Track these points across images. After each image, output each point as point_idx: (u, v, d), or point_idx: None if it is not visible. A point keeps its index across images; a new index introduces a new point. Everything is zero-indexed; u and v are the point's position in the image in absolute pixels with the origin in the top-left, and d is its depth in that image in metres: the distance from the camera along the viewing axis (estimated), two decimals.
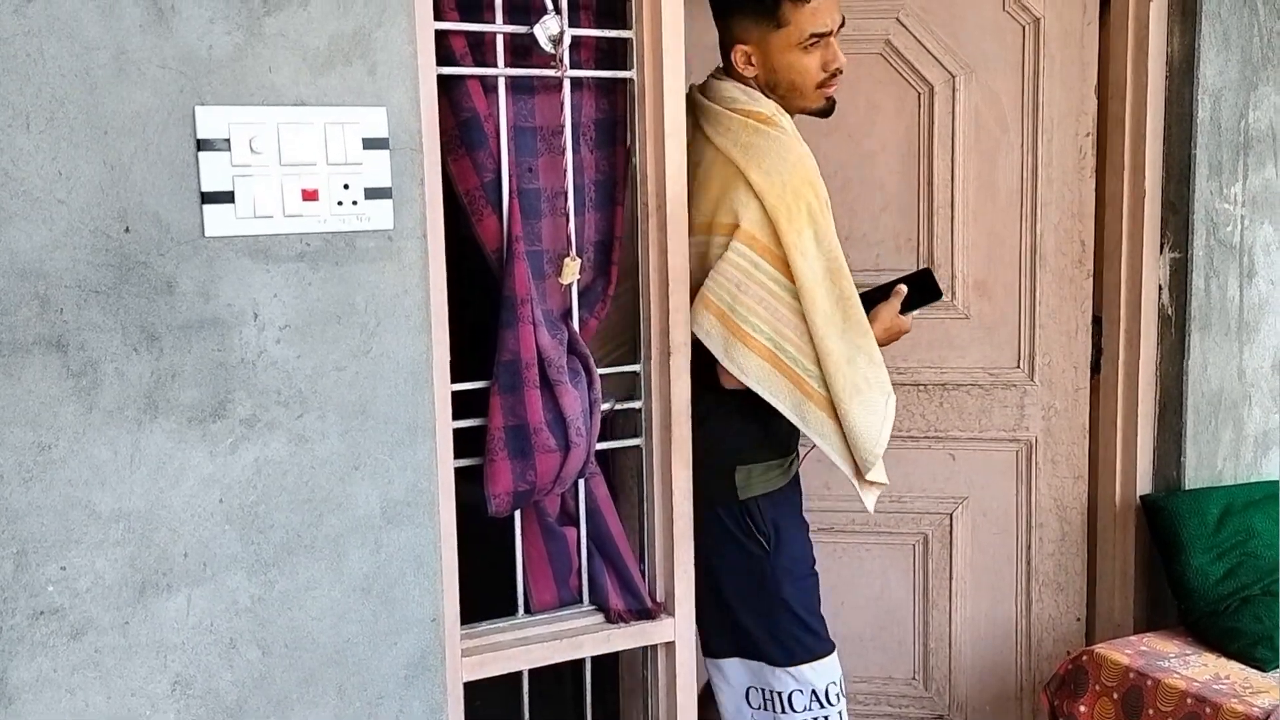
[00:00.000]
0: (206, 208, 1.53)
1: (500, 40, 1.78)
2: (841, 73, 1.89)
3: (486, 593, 1.96)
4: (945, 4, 2.15)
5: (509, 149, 1.81)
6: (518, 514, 1.91)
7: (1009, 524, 2.36)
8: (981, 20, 2.17)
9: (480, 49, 1.79)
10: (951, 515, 2.32)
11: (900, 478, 2.27)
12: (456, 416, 1.76)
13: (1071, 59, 2.22)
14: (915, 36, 2.14)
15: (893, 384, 2.03)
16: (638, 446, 1.98)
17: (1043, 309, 2.29)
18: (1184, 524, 2.20)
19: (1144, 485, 2.31)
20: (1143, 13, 2.16)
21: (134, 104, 1.48)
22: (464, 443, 1.81)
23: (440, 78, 1.70)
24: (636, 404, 1.97)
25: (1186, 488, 2.27)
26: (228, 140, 1.52)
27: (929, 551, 2.34)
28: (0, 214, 1.44)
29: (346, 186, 1.59)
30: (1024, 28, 2.19)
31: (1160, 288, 2.24)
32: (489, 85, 1.79)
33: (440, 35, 1.71)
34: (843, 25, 1.87)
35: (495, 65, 1.78)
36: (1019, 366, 2.29)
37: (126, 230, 1.50)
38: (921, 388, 2.26)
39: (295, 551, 1.64)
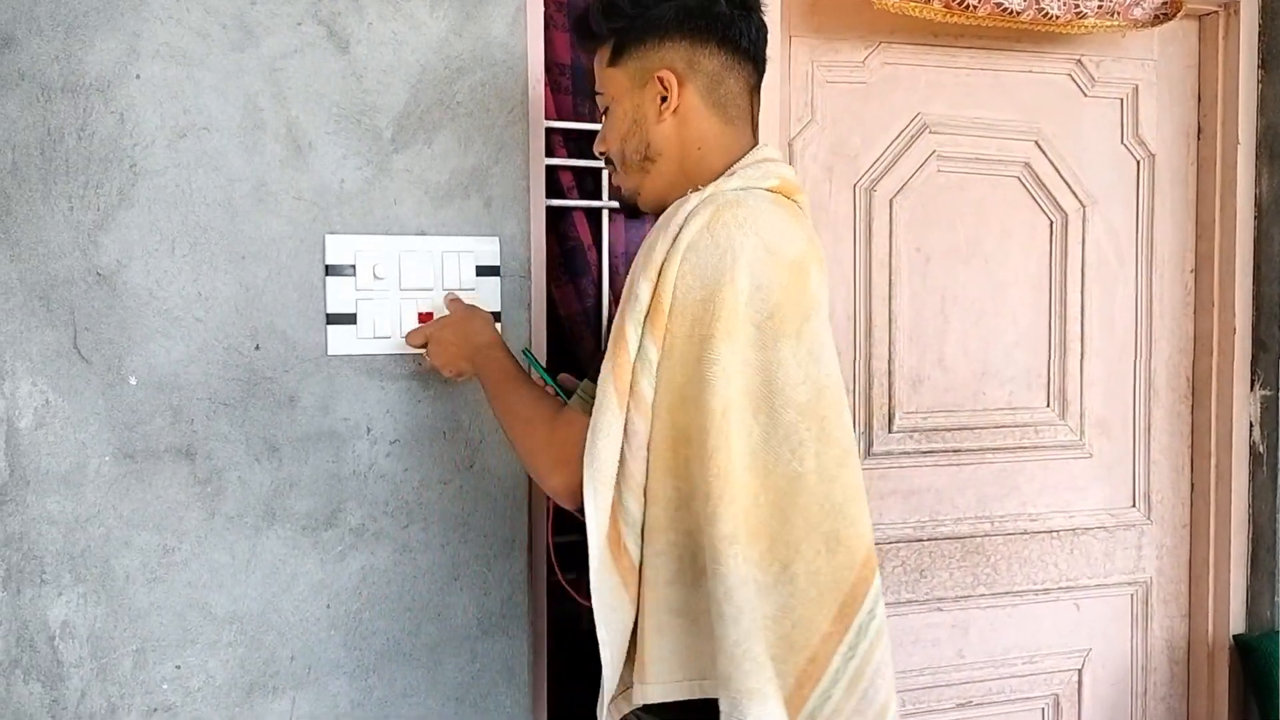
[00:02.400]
0: (330, 328, 1.63)
1: (606, 174, 1.87)
2: (602, 158, 1.49)
3: (576, 709, 1.97)
4: (1073, 132, 2.15)
5: (620, 275, 1.88)
6: None
7: (1125, 671, 2.28)
8: (1103, 151, 2.18)
9: (588, 181, 1.88)
10: (1080, 670, 2.24)
11: (1031, 635, 2.19)
12: (558, 532, 1.81)
13: (1179, 197, 2.23)
14: (1052, 162, 2.14)
15: (1028, 532, 1.97)
16: None
17: (1156, 446, 2.24)
18: (1278, 665, 2.12)
19: (1237, 625, 2.23)
20: (1230, 155, 2.17)
21: (270, 231, 1.60)
22: (560, 559, 1.85)
23: (549, 208, 1.79)
24: None
25: None
26: (353, 266, 1.63)
27: (1060, 712, 2.25)
28: (142, 330, 1.56)
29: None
30: (1139, 162, 2.20)
31: (1251, 424, 2.20)
32: (594, 216, 1.88)
33: (551, 169, 1.80)
34: (596, 96, 1.45)
35: (601, 198, 1.87)
36: (1134, 505, 2.24)
37: (256, 348, 1.60)
38: (1054, 534, 2.18)
39: (394, 659, 1.69)
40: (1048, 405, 2.17)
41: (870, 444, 2.08)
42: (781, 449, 1.24)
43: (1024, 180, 2.13)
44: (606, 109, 1.42)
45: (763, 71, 1.42)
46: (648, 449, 1.26)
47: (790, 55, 1.99)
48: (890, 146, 2.07)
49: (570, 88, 1.85)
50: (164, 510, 1.58)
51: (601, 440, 1.25)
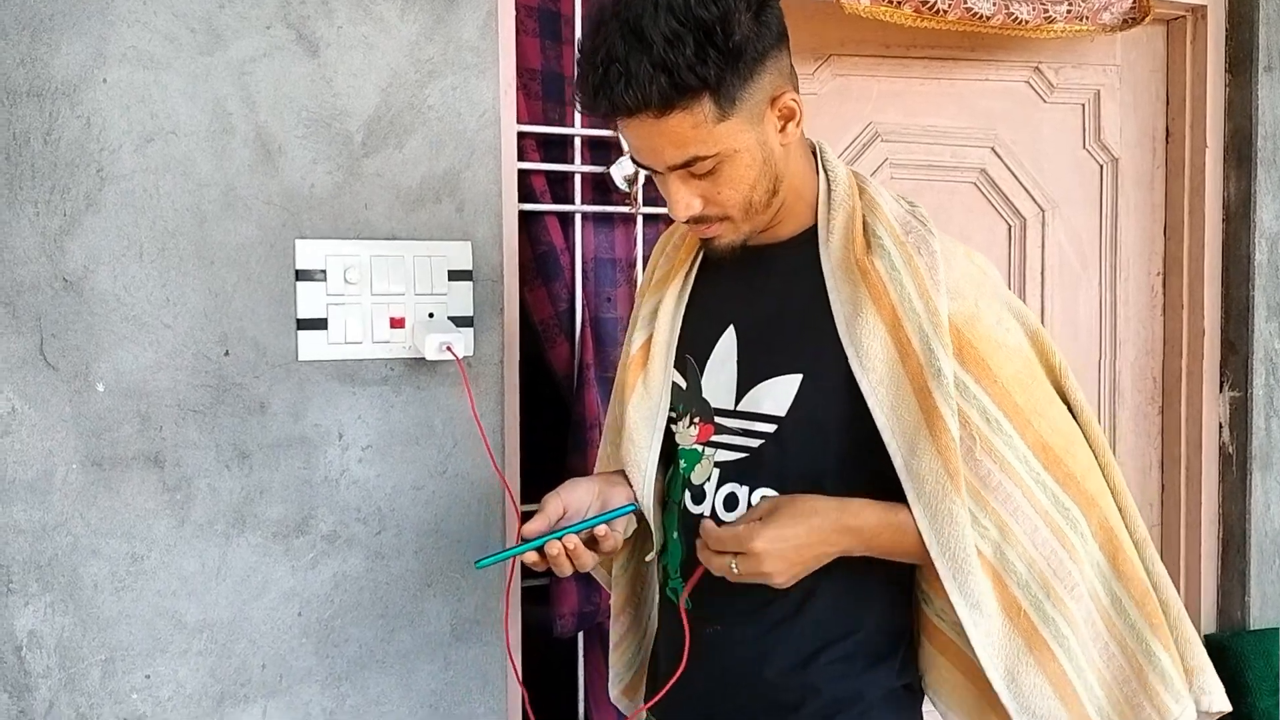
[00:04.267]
0: (301, 333, 1.62)
1: (578, 179, 1.88)
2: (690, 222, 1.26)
3: (550, 712, 1.97)
4: (1032, 138, 2.19)
5: (590, 279, 1.89)
6: (581, 634, 1.94)
7: None
8: (1064, 157, 2.22)
9: (560, 185, 1.89)
10: None
11: None
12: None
13: (1144, 200, 2.28)
14: (1009, 168, 2.17)
15: None
16: None
17: (1122, 446, 2.29)
18: (1249, 665, 2.17)
19: (1208, 625, 2.28)
20: (1198, 158, 2.22)
21: (239, 236, 1.59)
22: None
23: (521, 213, 1.80)
24: None
25: (1251, 628, 2.24)
26: (324, 271, 1.62)
27: None
28: (110, 336, 1.54)
29: (431, 315, 1.68)
30: (1102, 166, 2.25)
31: (1221, 426, 2.26)
32: (566, 220, 1.88)
33: (523, 174, 1.81)
34: (681, 167, 1.18)
35: (573, 202, 1.88)
36: None
37: (226, 354, 1.59)
38: None
39: (367, 666, 1.68)
40: None
41: None
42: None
43: (980, 186, 2.17)
44: (710, 170, 1.18)
45: None
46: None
47: None
48: (842, 156, 2.10)
49: (540, 93, 1.86)
50: (132, 518, 1.56)
51: (947, 529, 1.18)
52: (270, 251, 1.61)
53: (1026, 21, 1.94)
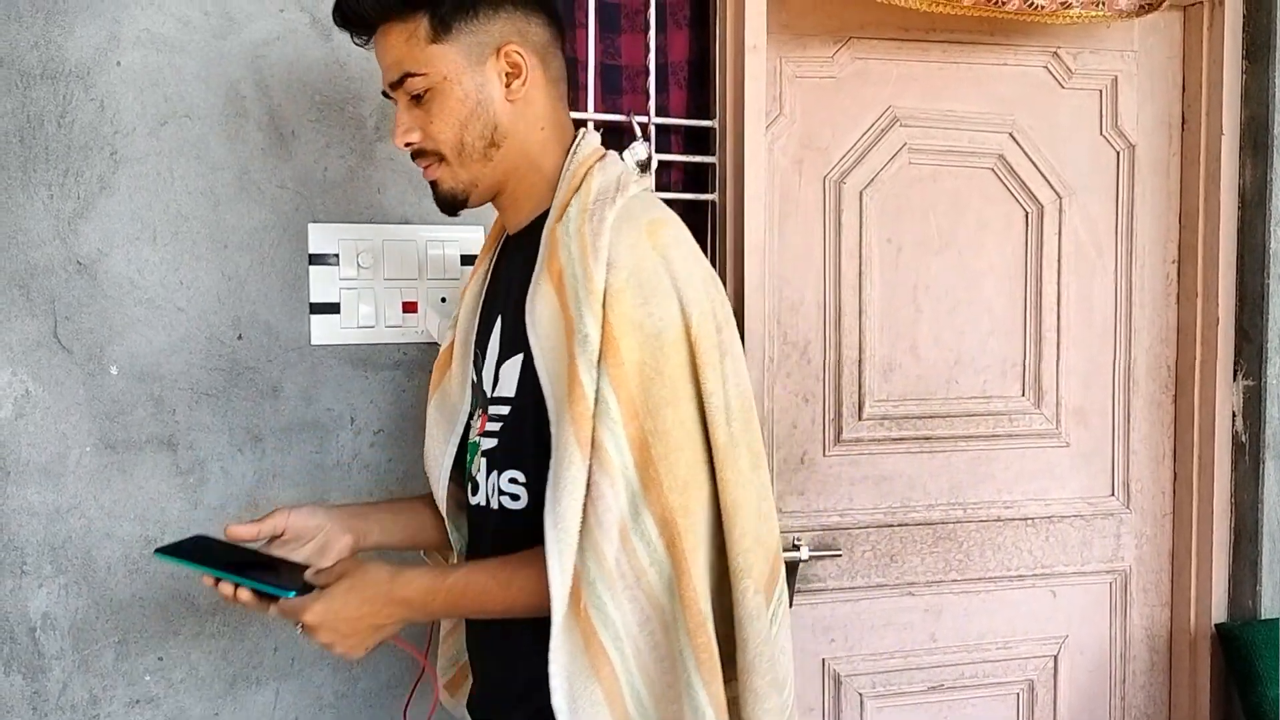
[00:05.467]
0: (314, 318, 1.62)
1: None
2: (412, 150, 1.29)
3: None
4: (1049, 124, 2.17)
5: None
6: None
7: (1104, 658, 2.32)
8: (1081, 143, 2.20)
9: None
10: (1055, 657, 2.27)
11: (1005, 621, 2.22)
12: None
13: (1160, 187, 2.26)
14: (1027, 153, 2.16)
15: (1001, 519, 2.00)
16: None
17: (1135, 435, 2.28)
18: (1259, 654, 2.17)
19: (1219, 614, 2.28)
20: (1214, 145, 2.20)
21: (253, 220, 1.59)
22: None
23: None
24: None
25: (1263, 617, 2.24)
26: (337, 255, 1.62)
27: (1035, 699, 2.28)
28: (124, 319, 1.54)
29: (444, 299, 1.68)
30: (1119, 153, 2.23)
31: (1234, 414, 2.25)
32: None
33: None
34: (398, 85, 1.24)
35: None
36: (1113, 494, 2.28)
37: (239, 337, 1.59)
38: (1029, 522, 2.21)
39: (378, 649, 1.68)
40: (1023, 394, 2.20)
41: (840, 431, 2.10)
42: (761, 465, 1.26)
43: (998, 171, 2.15)
44: (423, 93, 1.23)
45: (564, 35, 1.32)
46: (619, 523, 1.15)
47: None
48: (860, 139, 2.09)
49: None
50: (146, 501, 1.57)
51: (566, 500, 1.13)
52: (283, 235, 1.61)
53: (1043, 7, 1.93)
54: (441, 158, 1.26)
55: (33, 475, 1.52)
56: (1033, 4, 1.92)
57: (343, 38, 1.61)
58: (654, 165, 1.88)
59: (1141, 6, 1.99)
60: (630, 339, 1.15)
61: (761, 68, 1.90)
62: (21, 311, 1.50)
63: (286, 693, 1.64)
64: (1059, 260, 2.20)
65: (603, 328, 1.14)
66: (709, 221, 1.98)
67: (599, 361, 1.14)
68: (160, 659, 1.59)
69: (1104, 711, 2.34)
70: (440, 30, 1.21)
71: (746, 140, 1.90)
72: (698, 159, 1.95)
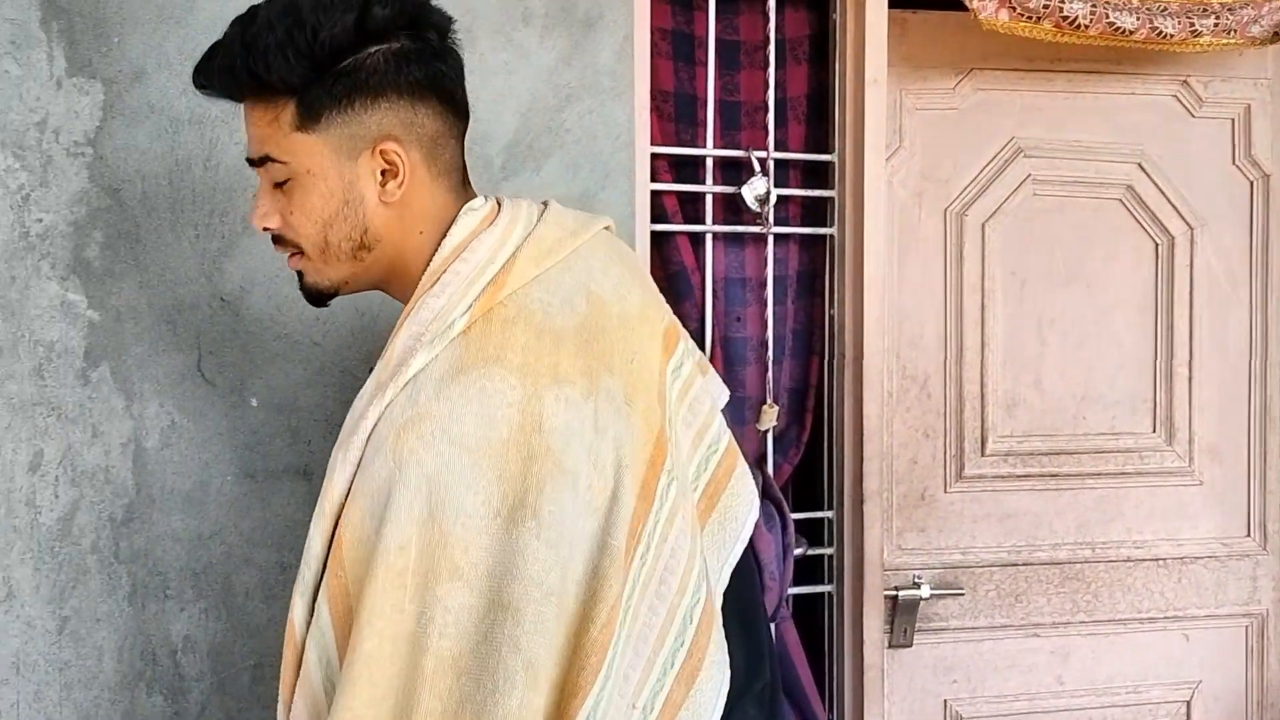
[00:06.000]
0: None
1: (710, 199, 1.89)
2: (271, 235, 1.16)
3: None
4: (1179, 153, 2.12)
5: (720, 299, 1.90)
6: None
7: (1239, 705, 2.23)
8: (1212, 173, 2.15)
9: (691, 206, 1.90)
10: (1189, 703, 2.19)
11: (1135, 665, 2.16)
12: None
13: None
14: (1156, 184, 2.12)
15: (1131, 559, 1.96)
16: (828, 593, 2.00)
17: (1272, 473, 2.19)
18: None
19: None
20: None
21: None
22: None
23: (653, 233, 1.82)
24: (827, 550, 1.99)
25: None
26: None
27: None
28: (264, 354, 1.61)
29: None
30: (1253, 183, 2.17)
31: None
32: (697, 240, 1.90)
33: (655, 194, 1.83)
34: (258, 164, 1.12)
35: (704, 222, 1.89)
36: (1249, 535, 2.20)
37: (370, 371, 1.64)
38: (1161, 563, 2.15)
39: None
40: (1154, 430, 2.14)
41: (961, 467, 2.08)
42: None
43: (1126, 202, 2.11)
44: (285, 181, 1.10)
45: (467, 118, 1.18)
46: None
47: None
48: (983, 171, 2.07)
49: (673, 114, 1.88)
50: (282, 528, 1.62)
51: None
52: None
53: (1171, 35, 1.89)
54: (301, 251, 1.14)
55: (177, 503, 1.59)
56: (1161, 33, 1.89)
57: (472, 80, 1.63)
58: (773, 200, 1.89)
59: (1275, 34, 1.94)
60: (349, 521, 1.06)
61: (882, 100, 1.90)
62: (169, 346, 1.58)
63: None
64: (1191, 292, 2.14)
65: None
66: (828, 256, 1.97)
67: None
68: None
69: None
70: (307, 119, 1.07)
71: (866, 173, 1.90)
72: (816, 193, 1.96)
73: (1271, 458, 2.19)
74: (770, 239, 1.92)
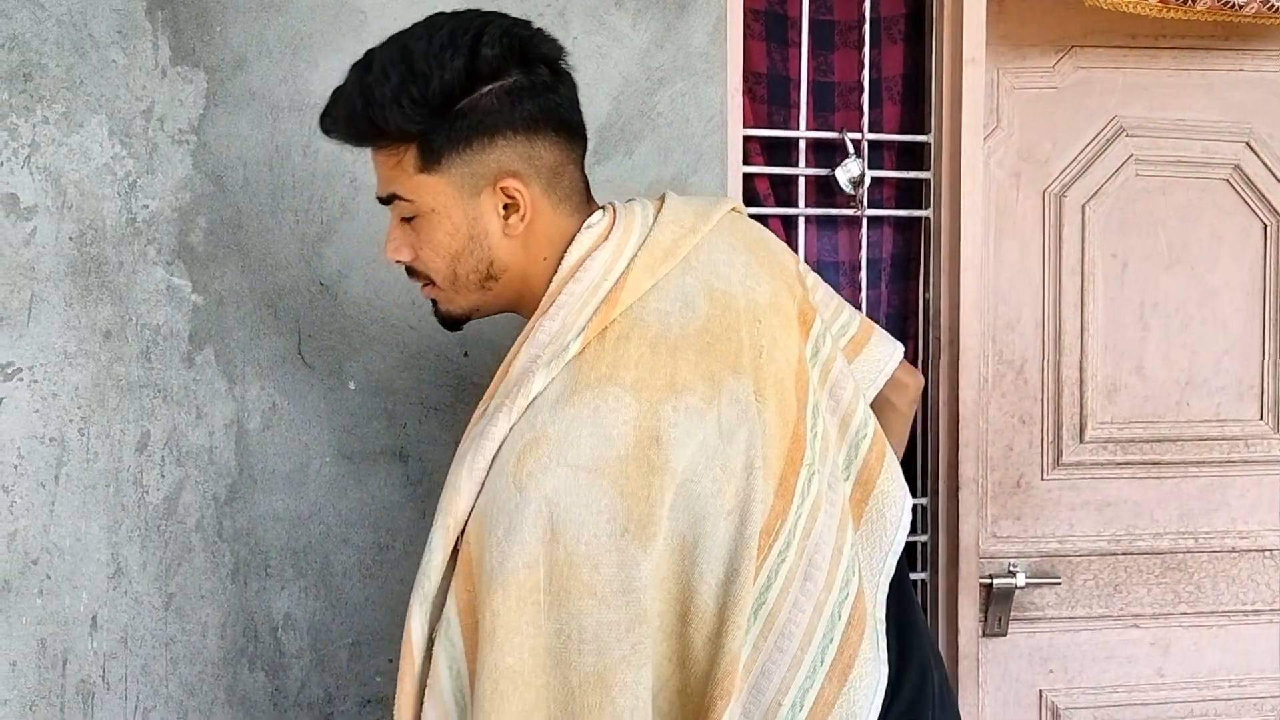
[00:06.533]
0: None
1: (802, 181, 1.87)
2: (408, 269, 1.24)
3: None
4: None
5: None
6: None
7: None
8: None
9: (784, 189, 1.89)
10: None
11: (1239, 659, 2.10)
12: None
13: None
14: (1265, 163, 2.05)
15: (1236, 550, 1.95)
16: (922, 580, 1.97)
17: None
18: None
19: None
20: None
21: None
22: None
23: None
24: (921, 537, 1.97)
25: None
26: None
27: None
28: (361, 337, 1.63)
29: None
30: None
31: None
32: (790, 223, 1.88)
33: (747, 177, 1.81)
34: (387, 201, 1.17)
35: (797, 205, 1.87)
36: None
37: (465, 355, 1.66)
38: (1267, 554, 2.08)
39: None
40: (1261, 418, 2.07)
41: (1059, 454, 2.03)
42: None
43: (1233, 183, 2.04)
44: (413, 218, 1.15)
45: (585, 141, 1.20)
46: None
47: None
48: (1083, 151, 2.02)
49: (766, 96, 1.86)
50: (379, 509, 1.65)
51: None
52: None
53: None
54: (432, 282, 1.20)
55: (278, 484, 1.62)
56: (1273, 7, 1.82)
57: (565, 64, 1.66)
58: (867, 182, 1.86)
59: None
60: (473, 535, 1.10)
61: (980, 80, 1.86)
62: (270, 330, 1.61)
63: None
64: None
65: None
66: (923, 238, 1.94)
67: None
68: (390, 661, 1.66)
69: None
70: (429, 161, 1.11)
71: (963, 154, 1.86)
72: (912, 175, 1.92)
73: None
74: (864, 222, 1.90)
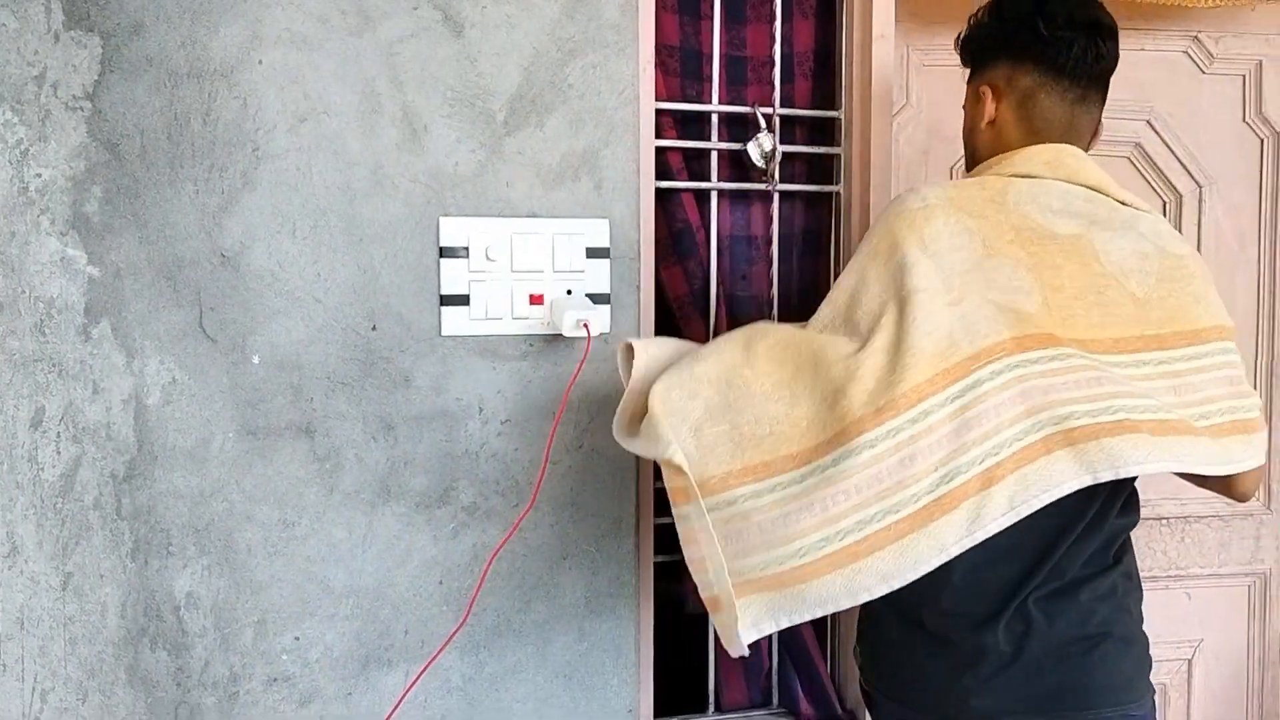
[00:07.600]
0: (444, 309, 1.65)
1: (715, 156, 1.87)
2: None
3: (679, 688, 1.99)
4: (1190, 111, 2.10)
5: (726, 257, 1.89)
6: None
7: (1241, 664, 2.24)
8: (1223, 130, 2.12)
9: (696, 162, 1.88)
10: (1190, 661, 2.19)
11: None
12: (658, 514, 1.82)
13: None
14: (1165, 141, 2.10)
15: None
16: None
17: (1277, 433, 2.18)
18: None
19: None
20: None
21: (386, 214, 1.63)
22: (665, 539, 1.87)
23: (658, 190, 1.80)
24: None
25: None
26: (466, 248, 1.65)
27: (1168, 702, 2.20)
28: (265, 310, 1.60)
29: (569, 292, 1.69)
30: (1263, 140, 2.15)
31: None
32: (702, 197, 1.88)
33: (660, 151, 1.81)
34: None
35: (710, 179, 1.87)
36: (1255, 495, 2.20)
37: (373, 328, 1.63)
38: (1164, 522, 2.15)
39: (504, 635, 1.72)
40: None
41: None
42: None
43: (1135, 160, 2.09)
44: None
45: (1096, 89, 1.50)
46: None
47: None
48: None
49: (679, 69, 1.86)
50: (285, 486, 1.62)
51: None
52: (415, 229, 1.64)
53: None
54: None
55: (179, 460, 1.58)
56: None
57: (474, 34, 1.64)
58: (778, 157, 1.87)
59: None
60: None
61: (889, 57, 1.88)
62: (169, 302, 1.57)
63: (416, 674, 1.68)
64: (1199, 251, 2.12)
65: None
66: (834, 213, 1.96)
67: None
68: (297, 639, 1.64)
69: (1240, 718, 2.26)
70: (970, 76, 1.61)
71: (873, 130, 1.87)
72: (822, 150, 1.93)
73: (1276, 418, 2.19)
74: (776, 196, 1.90)
